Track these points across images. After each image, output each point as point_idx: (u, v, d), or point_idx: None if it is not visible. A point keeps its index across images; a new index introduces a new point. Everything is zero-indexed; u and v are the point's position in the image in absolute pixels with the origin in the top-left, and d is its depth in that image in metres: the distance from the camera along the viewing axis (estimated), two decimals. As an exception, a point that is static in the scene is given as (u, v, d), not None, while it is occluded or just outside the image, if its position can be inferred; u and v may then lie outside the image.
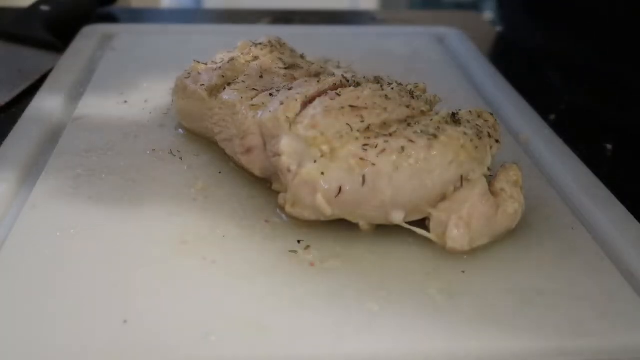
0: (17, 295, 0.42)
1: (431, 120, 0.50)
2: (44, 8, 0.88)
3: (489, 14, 1.12)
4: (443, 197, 0.47)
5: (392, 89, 0.53)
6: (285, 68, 0.60)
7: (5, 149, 0.58)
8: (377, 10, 1.73)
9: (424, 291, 0.44)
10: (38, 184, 0.53)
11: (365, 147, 0.46)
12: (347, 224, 0.48)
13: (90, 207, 0.51)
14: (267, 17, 1.03)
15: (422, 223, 0.48)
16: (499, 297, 0.44)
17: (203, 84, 0.58)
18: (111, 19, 1.00)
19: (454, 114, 0.51)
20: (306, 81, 0.54)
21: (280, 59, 0.61)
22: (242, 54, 0.61)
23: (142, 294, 0.43)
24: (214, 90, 0.57)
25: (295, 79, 0.57)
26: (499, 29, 1.02)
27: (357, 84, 0.54)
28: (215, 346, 0.39)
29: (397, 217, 0.47)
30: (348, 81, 0.54)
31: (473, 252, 0.47)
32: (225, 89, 0.56)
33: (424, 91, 0.56)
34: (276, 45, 0.64)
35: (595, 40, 0.79)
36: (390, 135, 0.47)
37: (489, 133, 0.51)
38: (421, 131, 0.48)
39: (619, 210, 0.53)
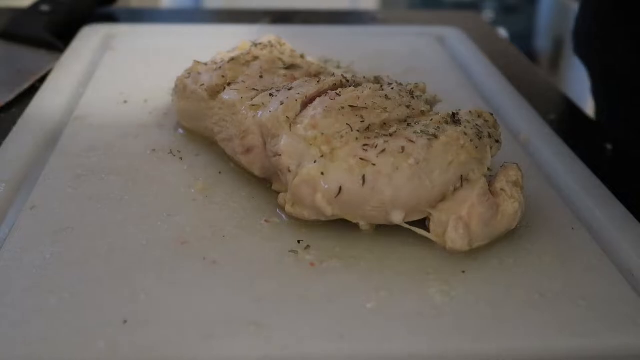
0: (17, 295, 0.42)
1: (431, 120, 0.50)
2: (44, 8, 0.88)
3: (489, 14, 1.12)
4: (443, 197, 0.47)
5: (392, 89, 0.53)
6: (285, 68, 0.60)
7: (5, 149, 0.58)
8: (377, 10, 1.73)
9: (424, 291, 0.44)
10: (38, 184, 0.53)
11: (365, 147, 0.46)
12: (347, 224, 0.48)
13: (90, 207, 0.51)
14: (267, 17, 1.03)
15: (422, 223, 0.48)
16: (499, 297, 0.44)
17: (203, 84, 0.58)
18: (111, 19, 1.00)
19: (454, 114, 0.51)
20: (306, 81, 0.54)
21: (280, 59, 0.61)
22: (242, 54, 0.61)
23: (142, 294, 0.42)
24: (214, 90, 0.57)
25: (295, 79, 0.57)
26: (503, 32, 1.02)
27: (357, 84, 0.54)
28: (215, 346, 0.39)
29: (397, 217, 0.47)
30: (348, 81, 0.54)
31: (473, 252, 0.47)
32: (225, 89, 0.56)
33: (424, 91, 0.56)
34: (276, 45, 0.64)
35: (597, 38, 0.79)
36: (390, 135, 0.47)
37: (489, 133, 0.51)
38: (421, 131, 0.48)
39: (619, 210, 0.53)
